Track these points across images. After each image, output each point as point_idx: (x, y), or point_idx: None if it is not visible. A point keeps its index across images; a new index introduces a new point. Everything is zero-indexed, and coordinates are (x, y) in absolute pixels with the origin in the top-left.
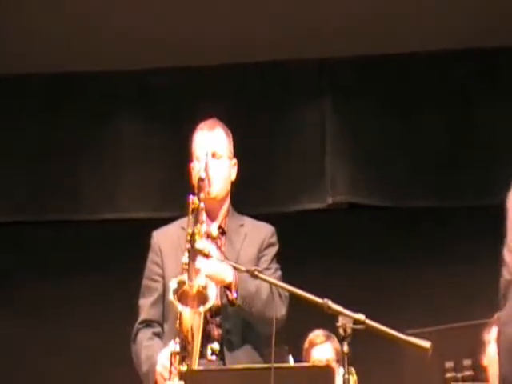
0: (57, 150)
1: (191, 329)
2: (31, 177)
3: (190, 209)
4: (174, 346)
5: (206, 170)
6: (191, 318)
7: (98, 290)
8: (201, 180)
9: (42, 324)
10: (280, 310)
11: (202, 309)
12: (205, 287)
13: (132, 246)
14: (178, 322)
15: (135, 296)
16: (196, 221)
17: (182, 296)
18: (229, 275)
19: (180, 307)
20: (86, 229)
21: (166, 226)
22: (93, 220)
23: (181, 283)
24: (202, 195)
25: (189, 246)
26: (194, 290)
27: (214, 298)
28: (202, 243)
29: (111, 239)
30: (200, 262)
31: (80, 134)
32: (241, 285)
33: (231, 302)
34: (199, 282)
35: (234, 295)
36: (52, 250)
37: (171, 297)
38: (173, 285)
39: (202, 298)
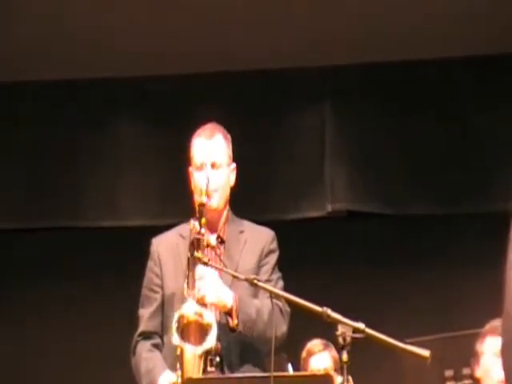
0: (57, 156)
1: (192, 364)
2: (31, 183)
3: (192, 236)
4: (176, 377)
5: (207, 193)
6: (192, 354)
7: (98, 295)
8: (201, 205)
9: (41, 328)
10: (281, 327)
11: (201, 348)
12: (209, 325)
13: (132, 253)
14: (179, 350)
15: (135, 302)
16: (198, 246)
17: (184, 328)
18: (229, 300)
19: (182, 343)
20: (85, 235)
21: (165, 233)
22: (93, 227)
23: (181, 317)
24: (203, 221)
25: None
26: (196, 322)
27: (213, 341)
28: (203, 270)
29: (111, 246)
30: (203, 288)
31: (80, 140)
32: (241, 308)
33: (232, 329)
34: (203, 313)
35: (235, 321)
36: (52, 256)
37: (174, 330)
38: (174, 321)
39: (203, 329)
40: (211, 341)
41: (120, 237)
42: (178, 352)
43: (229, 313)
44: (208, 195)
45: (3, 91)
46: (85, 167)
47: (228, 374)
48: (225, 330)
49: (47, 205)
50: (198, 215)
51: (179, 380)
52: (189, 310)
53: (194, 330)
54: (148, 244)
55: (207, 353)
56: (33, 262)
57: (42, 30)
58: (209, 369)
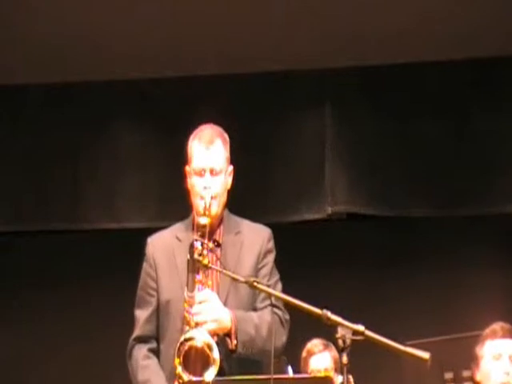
0: (56, 158)
1: None
2: (30, 185)
3: (195, 254)
4: None
5: (208, 213)
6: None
7: (98, 298)
8: (203, 227)
9: (40, 331)
10: (281, 338)
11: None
12: (215, 360)
13: (131, 255)
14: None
15: (133, 306)
16: (199, 267)
17: (187, 352)
18: (228, 323)
19: (181, 372)
20: (85, 238)
21: (160, 233)
22: (92, 229)
23: (188, 340)
24: (205, 242)
25: (189, 257)
26: (202, 349)
27: (213, 375)
28: (202, 293)
29: (109, 249)
30: (202, 312)
31: (79, 143)
32: (240, 329)
33: (231, 351)
34: (209, 344)
35: (234, 342)
36: (51, 259)
37: (175, 355)
38: (179, 343)
39: (206, 362)
40: (211, 376)
41: (119, 239)
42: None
43: (227, 334)
44: (209, 215)
45: (3, 94)
46: (84, 170)
47: (227, 377)
48: (223, 348)
49: (46, 207)
50: (199, 235)
51: None
52: (198, 336)
53: (196, 358)
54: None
55: None
56: (32, 264)
57: (42, 34)
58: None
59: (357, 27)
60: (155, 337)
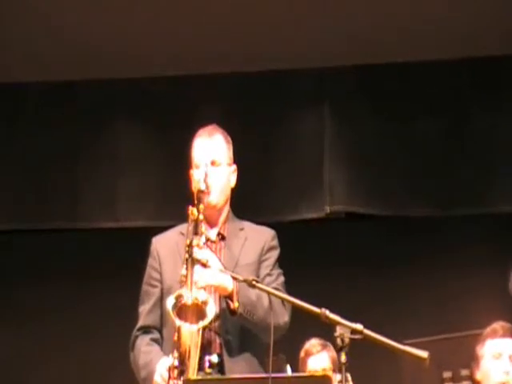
0: (56, 158)
1: (189, 344)
2: (31, 184)
3: (190, 220)
4: (173, 359)
5: (205, 181)
6: (190, 333)
7: (98, 297)
8: (200, 192)
9: (40, 330)
10: (283, 316)
11: (198, 325)
12: (204, 302)
13: (130, 255)
14: (176, 334)
15: (134, 303)
16: (195, 232)
17: (181, 309)
18: (229, 284)
19: (178, 322)
20: (85, 237)
21: (165, 232)
22: (92, 228)
23: (179, 297)
24: (201, 206)
25: (187, 256)
26: (193, 304)
27: (212, 315)
28: (201, 253)
29: (110, 248)
30: (201, 272)
31: (78, 142)
32: (241, 292)
33: (232, 312)
34: (198, 295)
35: (236, 304)
36: (52, 258)
37: (170, 311)
38: (171, 300)
39: (200, 311)
40: (210, 315)
41: (119, 238)
42: (176, 337)
43: (229, 297)
44: (207, 185)
45: (3, 92)
46: (84, 169)
47: (227, 375)
48: (225, 314)
49: (47, 206)
50: (196, 201)
51: (176, 362)
52: (186, 293)
53: (191, 314)
54: (147, 245)
55: (206, 350)
56: (32, 263)
57: (42, 32)
58: (207, 370)
59: (356, 26)
60: (158, 328)
